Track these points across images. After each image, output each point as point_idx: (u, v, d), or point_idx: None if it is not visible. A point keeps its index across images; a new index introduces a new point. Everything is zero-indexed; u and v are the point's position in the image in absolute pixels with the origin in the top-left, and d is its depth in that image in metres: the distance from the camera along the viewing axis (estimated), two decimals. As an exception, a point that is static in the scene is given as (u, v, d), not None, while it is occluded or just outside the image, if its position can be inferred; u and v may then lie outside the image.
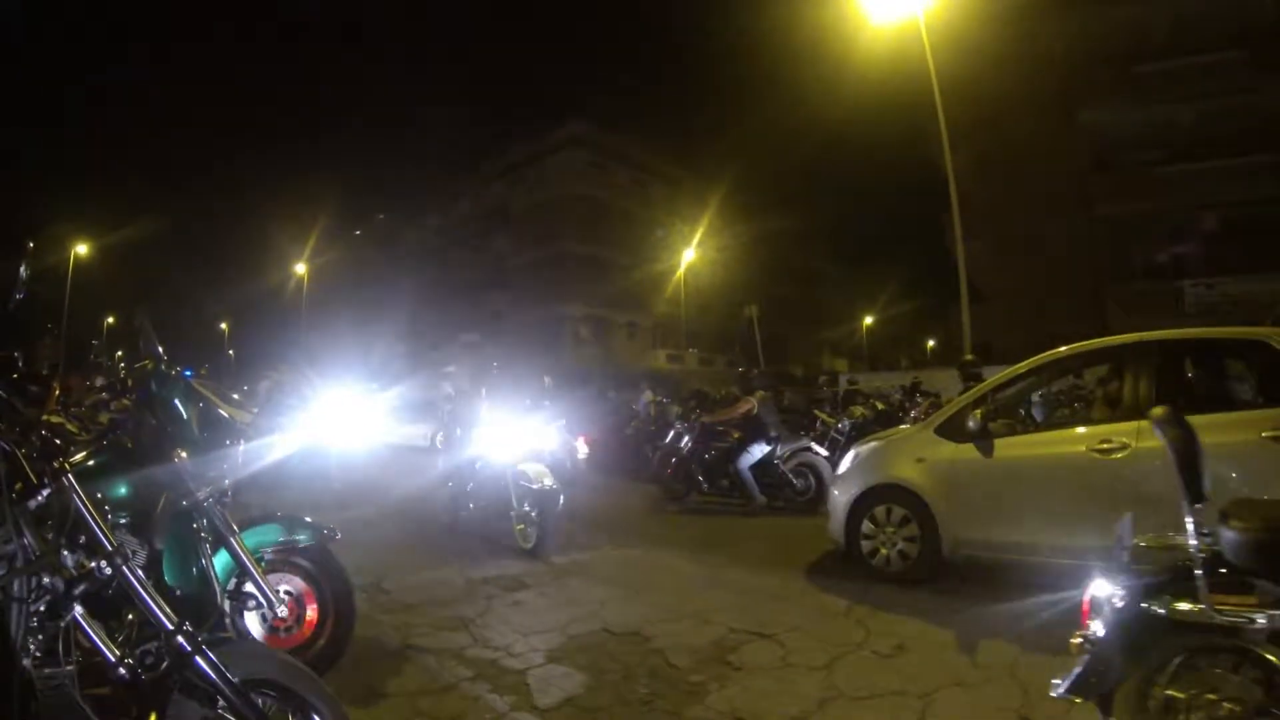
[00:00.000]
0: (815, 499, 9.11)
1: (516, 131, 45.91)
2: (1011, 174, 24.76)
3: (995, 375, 6.14)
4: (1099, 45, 23.24)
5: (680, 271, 39.04)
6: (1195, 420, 4.27)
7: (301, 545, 3.70)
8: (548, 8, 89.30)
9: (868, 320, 55.38)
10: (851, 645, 4.38)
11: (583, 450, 13.03)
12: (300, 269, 42.38)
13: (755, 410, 9.74)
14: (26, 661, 1.90)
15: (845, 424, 12.03)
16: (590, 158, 41.96)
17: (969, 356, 10.70)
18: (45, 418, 3.37)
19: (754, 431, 9.63)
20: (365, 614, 4.60)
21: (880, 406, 13.70)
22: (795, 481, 9.57)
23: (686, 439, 10.49)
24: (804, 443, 9.98)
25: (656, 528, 8.60)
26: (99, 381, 10.15)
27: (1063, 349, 5.77)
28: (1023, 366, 5.93)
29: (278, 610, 3.49)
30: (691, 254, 38.61)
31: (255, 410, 3.77)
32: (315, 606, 3.76)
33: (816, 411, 14.25)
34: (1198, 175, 22.54)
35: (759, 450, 9.49)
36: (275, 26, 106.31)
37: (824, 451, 9.88)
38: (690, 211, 40.35)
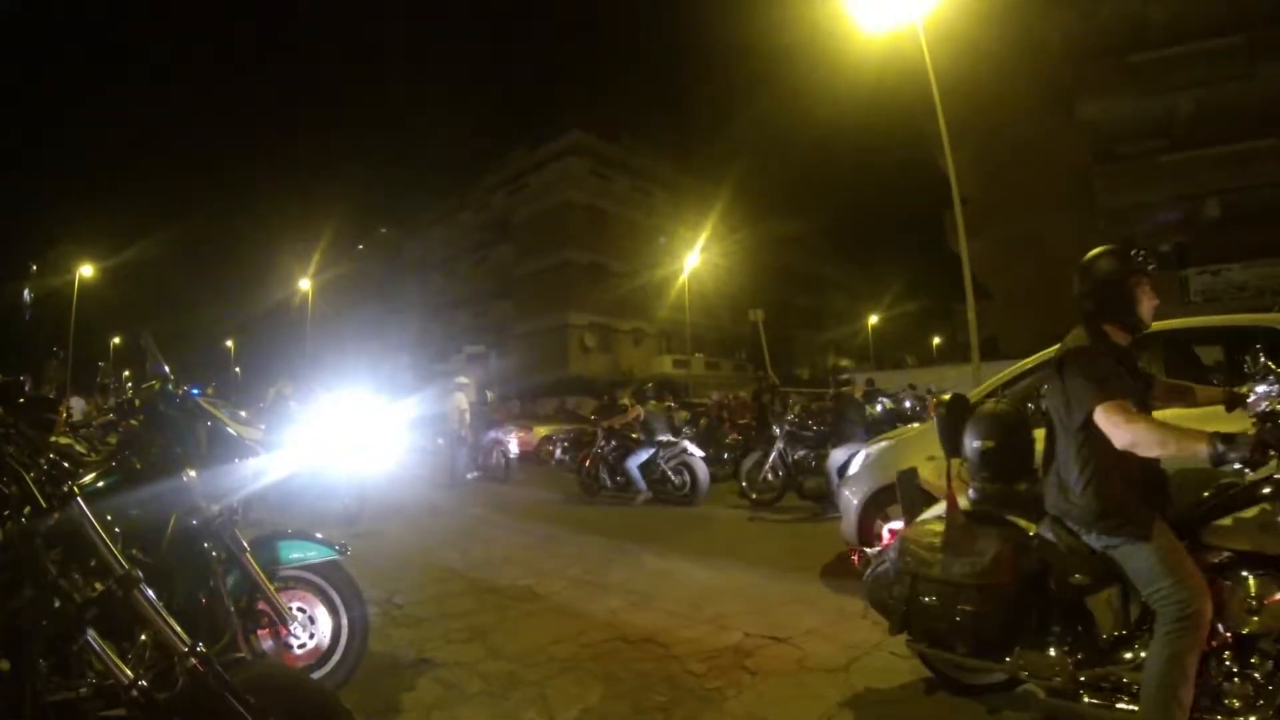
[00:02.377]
0: (690, 492, 10.67)
1: (517, 141, 45.89)
2: (1013, 169, 24.75)
3: (1004, 370, 6.07)
4: (1095, 37, 23.26)
5: (684, 277, 39.04)
6: (1206, 410, 4.06)
7: (313, 562, 3.69)
8: (546, 18, 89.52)
9: (873, 320, 55.29)
10: (869, 647, 4.34)
11: None
12: (305, 285, 42.42)
13: (643, 417, 11.33)
14: (39, 685, 1.89)
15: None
16: (591, 166, 42.06)
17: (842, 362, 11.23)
18: (53, 439, 3.37)
19: (645, 435, 11.20)
20: (378, 628, 4.59)
21: (889, 405, 13.67)
22: (673, 478, 10.90)
23: (601, 442, 11.81)
24: (682, 444, 11.09)
25: (664, 533, 8.56)
26: (110, 401, 10.18)
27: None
28: (1030, 361, 5.82)
29: (291, 627, 3.48)
30: (695, 259, 38.57)
31: (263, 426, 3.76)
32: (329, 622, 3.74)
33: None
34: (1199, 163, 22.57)
35: (645, 452, 10.97)
36: (275, 45, 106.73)
37: (699, 452, 11.09)
38: (692, 217, 40.35)
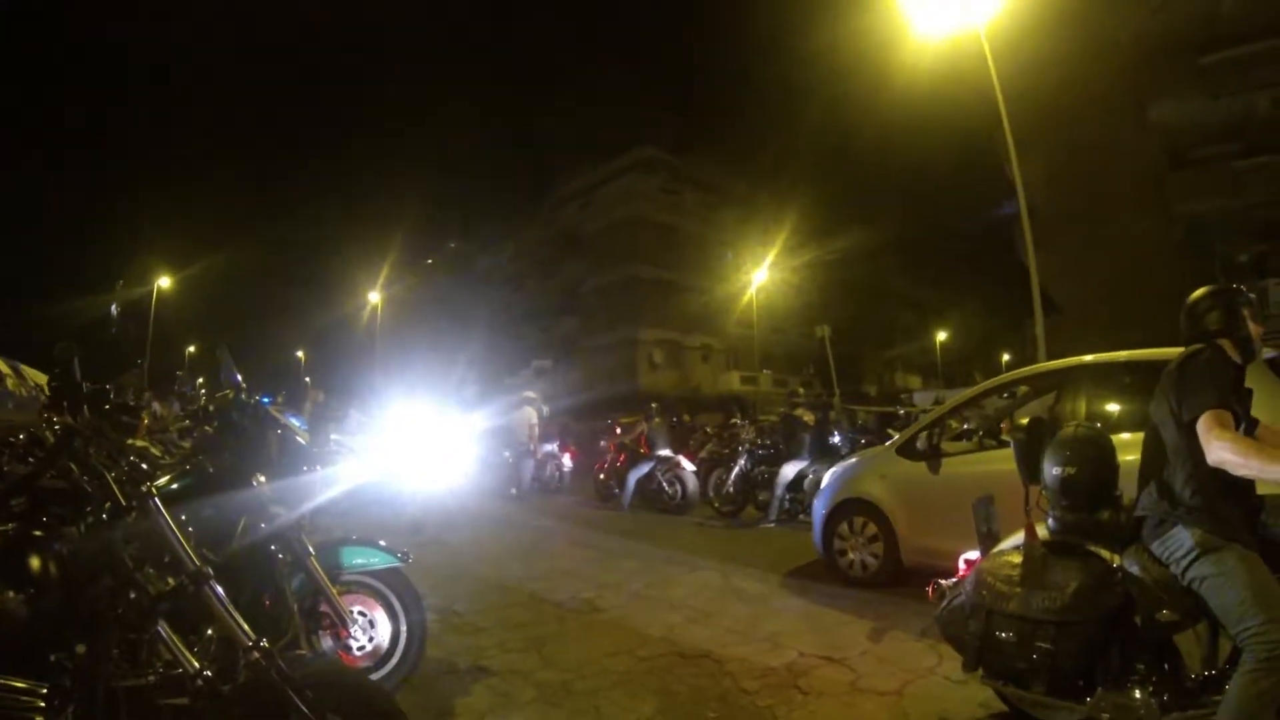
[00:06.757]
0: (681, 501, 11.60)
1: (586, 157, 46.23)
2: (1083, 177, 23.86)
3: (954, 396, 6.67)
4: (1165, 38, 22.30)
5: (751, 292, 38.80)
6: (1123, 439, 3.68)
7: (375, 568, 3.81)
8: (613, 33, 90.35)
9: (941, 336, 54.34)
10: (923, 670, 4.30)
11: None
12: (374, 297, 43.27)
13: (647, 432, 12.37)
14: (112, 670, 2.01)
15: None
16: (659, 181, 42.10)
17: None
18: (132, 442, 3.54)
19: (648, 450, 12.24)
20: (437, 635, 4.69)
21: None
22: (667, 489, 11.78)
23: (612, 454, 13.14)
24: (677, 459, 11.94)
25: (722, 548, 8.54)
26: (176, 408, 10.59)
27: (1008, 374, 6.39)
28: (975, 390, 6.84)
29: (351, 630, 3.59)
30: (763, 275, 38.30)
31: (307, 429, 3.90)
32: (388, 627, 3.86)
33: (890, 431, 14.33)
34: (1279, 167, 21.60)
35: (646, 465, 11.92)
36: (348, 60, 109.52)
37: (691, 466, 11.89)
38: (759, 232, 40.06)
